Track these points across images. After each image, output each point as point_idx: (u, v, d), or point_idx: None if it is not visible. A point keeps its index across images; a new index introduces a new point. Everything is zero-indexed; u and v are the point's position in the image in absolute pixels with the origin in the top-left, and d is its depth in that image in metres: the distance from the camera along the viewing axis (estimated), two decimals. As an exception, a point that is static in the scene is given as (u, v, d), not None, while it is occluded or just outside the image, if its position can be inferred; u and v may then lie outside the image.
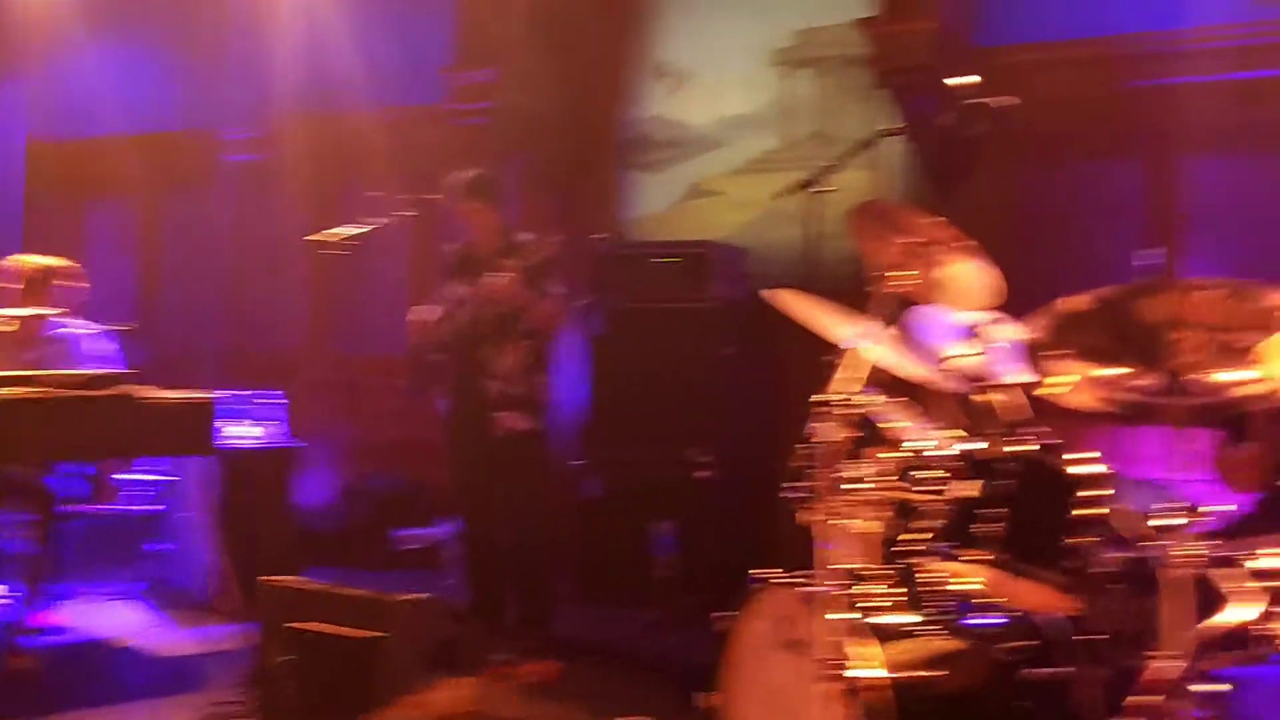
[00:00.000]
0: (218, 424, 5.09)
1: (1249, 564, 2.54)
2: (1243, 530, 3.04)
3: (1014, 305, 3.03)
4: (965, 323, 3.27)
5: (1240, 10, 5.42)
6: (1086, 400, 2.63)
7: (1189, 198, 5.75)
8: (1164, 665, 2.21)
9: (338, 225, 5.20)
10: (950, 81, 3.55)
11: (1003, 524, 2.56)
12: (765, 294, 3.44)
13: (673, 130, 6.87)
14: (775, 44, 6.54)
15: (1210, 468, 3.16)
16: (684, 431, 5.67)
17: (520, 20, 6.64)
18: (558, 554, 5.51)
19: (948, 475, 2.71)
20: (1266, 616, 2.56)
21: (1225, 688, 2.38)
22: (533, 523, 5.16)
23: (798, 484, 2.88)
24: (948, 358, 2.97)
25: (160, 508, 6.21)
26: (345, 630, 3.87)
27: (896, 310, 3.20)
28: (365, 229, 5.02)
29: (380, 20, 7.43)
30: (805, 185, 3.63)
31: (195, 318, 8.47)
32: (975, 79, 3.35)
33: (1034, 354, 2.51)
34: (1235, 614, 2.42)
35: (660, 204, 6.92)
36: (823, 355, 2.91)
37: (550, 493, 5.24)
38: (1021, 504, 2.58)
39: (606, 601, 5.76)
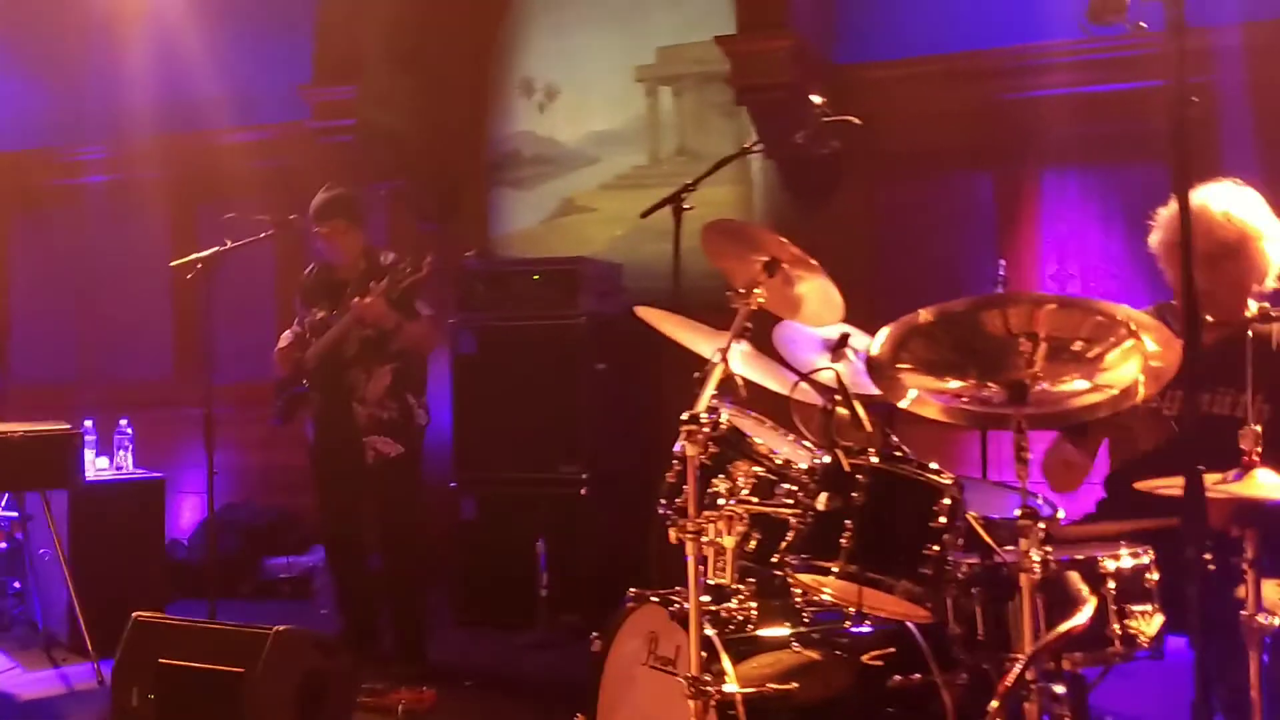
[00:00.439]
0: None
1: (1107, 565, 2.62)
2: (1096, 533, 3.16)
3: (878, 318, 3.10)
4: (825, 337, 3.34)
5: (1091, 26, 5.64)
6: (933, 411, 2.70)
7: (1044, 209, 5.96)
8: (1021, 667, 2.26)
9: (198, 248, 5.07)
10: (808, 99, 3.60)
11: (861, 535, 2.59)
12: (637, 310, 3.46)
13: (542, 147, 6.86)
14: (639, 61, 6.59)
15: (1042, 470, 3.27)
16: (558, 449, 5.67)
17: (380, 37, 6.56)
18: (431, 579, 5.45)
19: (808, 488, 2.74)
20: (1125, 615, 2.65)
21: (1065, 688, 2.44)
22: (405, 548, 5.09)
23: (669, 500, 2.90)
24: (808, 372, 3.01)
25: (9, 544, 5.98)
26: (210, 665, 3.78)
27: (749, 326, 3.25)
28: (223, 251, 4.88)
29: (240, 38, 7.28)
30: (668, 202, 3.69)
31: (50, 345, 8.17)
32: (821, 99, 3.40)
33: (877, 367, 2.56)
34: (1092, 615, 2.48)
35: (532, 220, 6.90)
36: (694, 371, 2.93)
37: (422, 517, 5.16)
38: (878, 514, 2.61)
39: (487, 624, 5.70)
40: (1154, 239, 3.21)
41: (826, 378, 3.00)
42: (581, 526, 5.59)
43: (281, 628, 3.86)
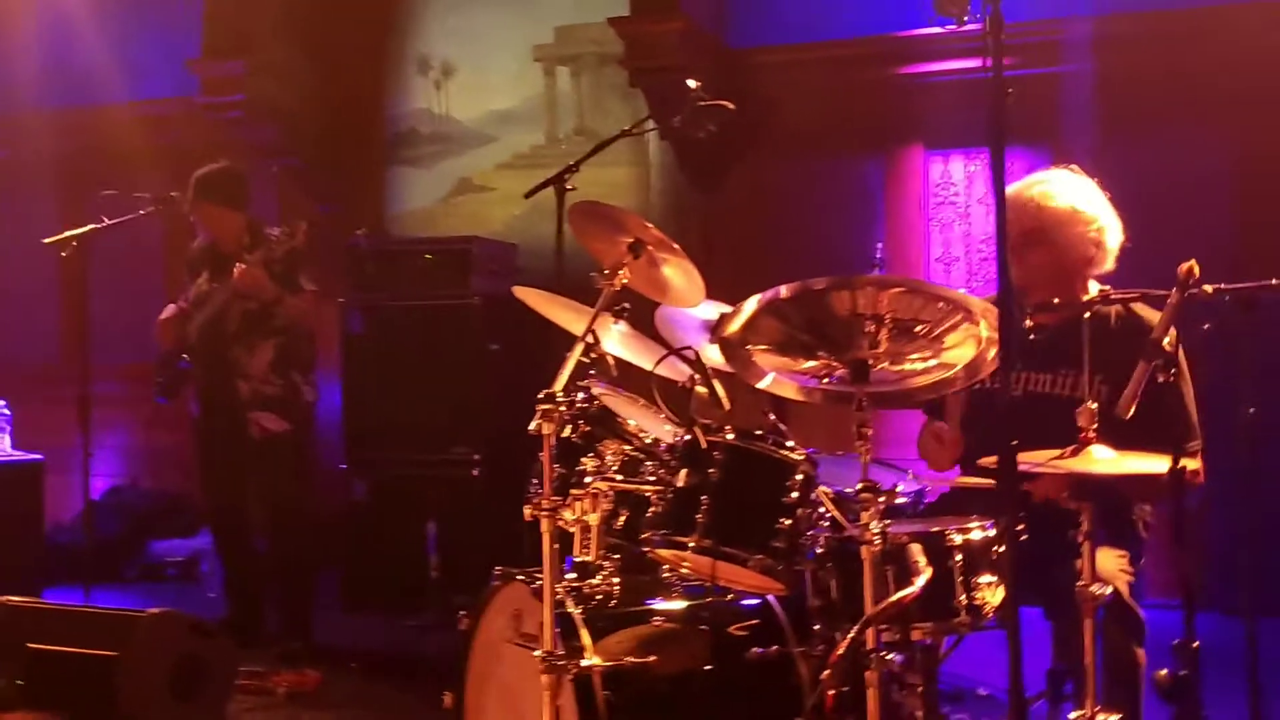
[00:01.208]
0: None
1: (954, 538, 2.70)
2: (946, 506, 3.25)
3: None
4: (705, 319, 3.38)
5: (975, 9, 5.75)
6: (790, 391, 2.76)
7: (929, 192, 6.09)
8: (850, 636, 2.32)
9: (82, 225, 4.96)
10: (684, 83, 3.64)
11: (716, 510, 2.64)
12: (515, 290, 3.47)
13: (440, 125, 6.83)
14: (537, 40, 6.58)
15: (918, 450, 3.35)
16: (451, 430, 5.64)
17: (271, 12, 6.47)
18: (321, 561, 5.41)
19: (670, 465, 2.78)
20: (971, 587, 2.73)
21: (907, 657, 2.52)
22: (291, 528, 5.05)
23: (534, 479, 2.92)
24: (671, 351, 3.04)
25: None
26: (80, 649, 3.73)
27: (628, 306, 3.28)
28: (100, 228, 4.79)
29: (128, 10, 7.13)
30: (551, 183, 3.71)
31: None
32: (697, 83, 3.44)
33: (729, 346, 2.60)
34: (929, 585, 2.56)
35: (429, 200, 6.87)
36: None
37: (310, 497, 5.12)
38: (732, 489, 2.67)
39: (378, 607, 5.67)
40: None
41: (689, 356, 3.04)
42: (474, 508, 5.57)
43: (155, 610, 3.84)
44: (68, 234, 4.75)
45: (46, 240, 4.97)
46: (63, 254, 4.81)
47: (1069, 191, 3.18)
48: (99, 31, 7.10)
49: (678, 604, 2.96)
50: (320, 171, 6.91)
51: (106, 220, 4.88)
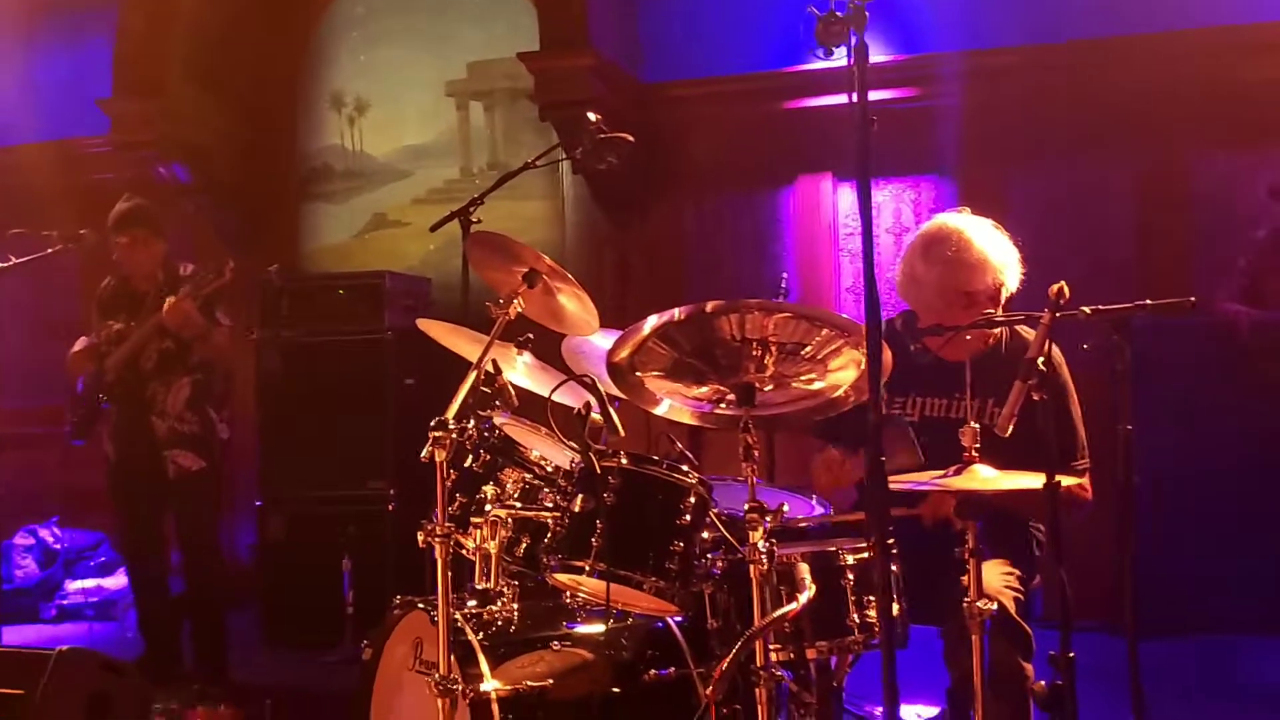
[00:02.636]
0: None
1: (846, 558, 2.77)
2: (837, 528, 3.32)
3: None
4: (602, 348, 3.43)
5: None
6: (687, 417, 2.83)
7: (839, 222, 6.22)
8: (733, 654, 2.38)
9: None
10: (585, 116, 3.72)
11: (611, 533, 2.68)
12: (419, 323, 3.51)
13: (353, 161, 6.86)
14: (450, 75, 6.65)
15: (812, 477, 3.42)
16: (366, 465, 5.65)
17: (183, 50, 6.48)
18: (237, 598, 5.37)
19: (566, 491, 2.83)
20: (863, 605, 2.80)
21: (795, 675, 2.58)
22: (206, 566, 5.03)
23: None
24: (570, 378, 3.09)
25: None
26: (-12, 689, 3.68)
27: (531, 337, 3.34)
28: (5, 268, 4.75)
29: (42, 49, 7.10)
30: (456, 215, 3.77)
31: None
32: (598, 116, 3.52)
33: (619, 373, 2.67)
34: (831, 604, 2.63)
35: (343, 235, 6.89)
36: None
37: (222, 534, 5.10)
38: (627, 513, 2.71)
39: (295, 643, 5.64)
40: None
41: (587, 384, 3.09)
42: (388, 542, 5.58)
43: (64, 648, 3.80)
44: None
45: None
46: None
47: (981, 241, 3.26)
48: (11, 70, 7.06)
49: (578, 629, 3.00)
50: (234, 208, 6.90)
51: (14, 259, 4.84)
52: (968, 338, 2.96)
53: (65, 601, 6.38)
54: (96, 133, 6.72)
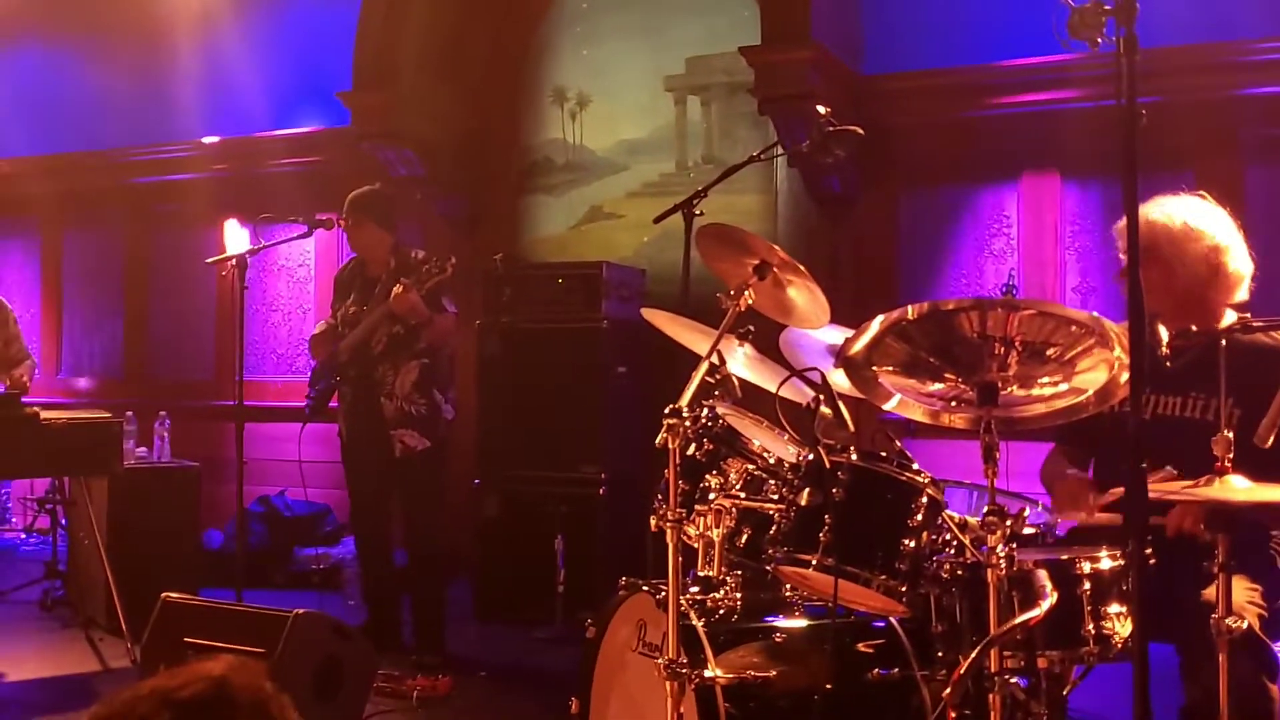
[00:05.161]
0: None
1: (1083, 566, 2.69)
2: (1076, 540, 3.22)
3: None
4: (830, 343, 3.43)
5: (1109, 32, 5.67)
6: (918, 414, 2.79)
7: (1063, 219, 6.01)
8: (972, 657, 2.34)
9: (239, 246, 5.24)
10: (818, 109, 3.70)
11: (839, 529, 2.67)
12: (643, 312, 3.57)
13: (573, 154, 7.01)
14: (668, 70, 6.72)
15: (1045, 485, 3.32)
16: (579, 449, 5.79)
17: (414, 45, 6.75)
18: (454, 573, 5.58)
19: (793, 484, 2.83)
20: (1100, 616, 2.71)
21: (1032, 683, 2.52)
22: (428, 542, 5.21)
23: (660, 494, 3.00)
24: (795, 373, 3.10)
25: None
26: (232, 645, 3.92)
27: (752, 330, 3.36)
28: (255, 250, 5.05)
29: (280, 45, 7.54)
30: (680, 208, 3.81)
31: (100, 346, 8.45)
32: (827, 108, 3.50)
33: (853, 367, 2.65)
34: (1054, 611, 2.56)
35: (561, 226, 7.05)
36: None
37: (446, 512, 5.30)
38: (856, 509, 2.70)
39: (507, 619, 5.83)
40: None
41: (815, 378, 3.09)
42: (599, 525, 5.70)
43: (301, 611, 4.01)
44: (227, 254, 5.00)
45: (209, 260, 5.25)
46: (222, 274, 5.08)
47: (1182, 210, 3.15)
48: (252, 67, 7.53)
49: (800, 622, 3.00)
50: (458, 198, 7.16)
51: (263, 242, 5.14)
52: (1223, 343, 2.82)
53: (293, 568, 6.73)
54: (336, 124, 7.09)
